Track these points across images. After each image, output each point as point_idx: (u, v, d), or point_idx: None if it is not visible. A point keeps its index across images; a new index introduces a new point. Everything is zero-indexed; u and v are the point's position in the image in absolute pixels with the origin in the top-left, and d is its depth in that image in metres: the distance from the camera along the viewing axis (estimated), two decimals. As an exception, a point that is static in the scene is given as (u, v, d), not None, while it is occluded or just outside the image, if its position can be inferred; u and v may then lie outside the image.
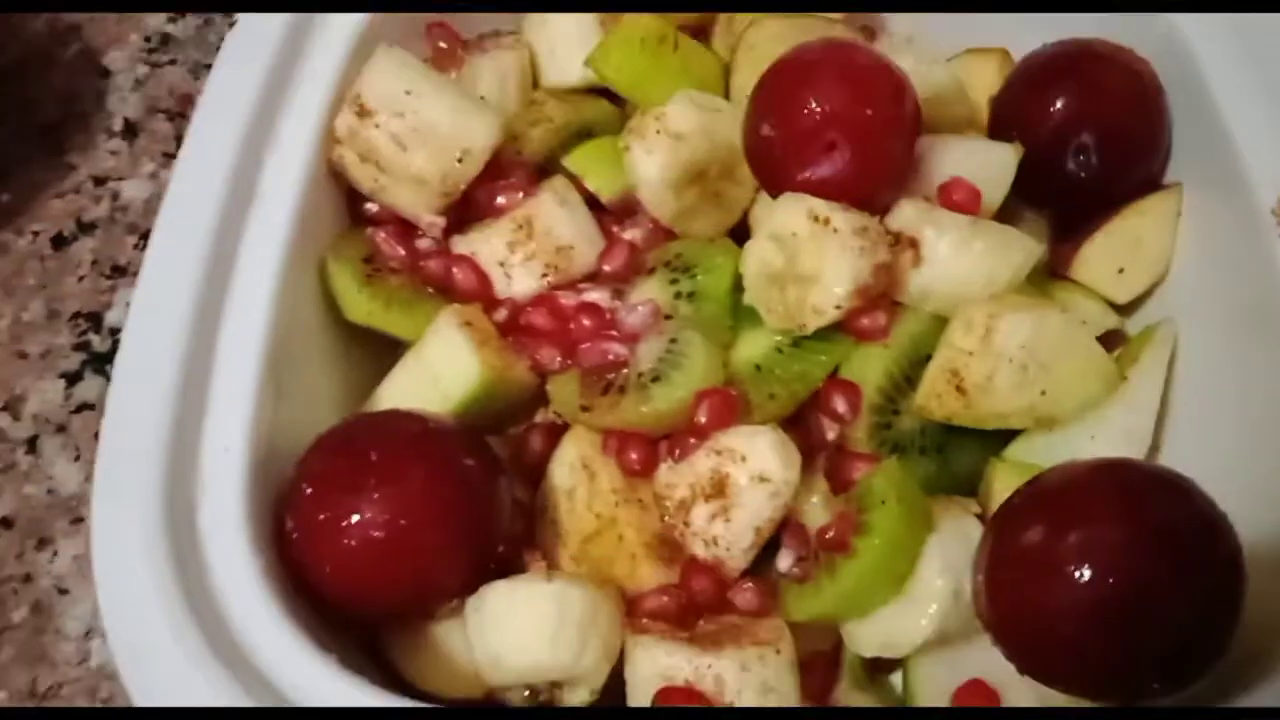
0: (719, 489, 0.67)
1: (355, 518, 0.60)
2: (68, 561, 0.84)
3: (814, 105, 0.71)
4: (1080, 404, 0.72)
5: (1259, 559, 0.61)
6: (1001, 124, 0.84)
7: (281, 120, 0.75)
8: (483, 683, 0.63)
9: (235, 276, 0.69)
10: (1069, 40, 0.83)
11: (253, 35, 0.76)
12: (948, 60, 0.90)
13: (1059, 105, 0.79)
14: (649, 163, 0.76)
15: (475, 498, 0.63)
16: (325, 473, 0.63)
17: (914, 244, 0.72)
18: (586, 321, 0.74)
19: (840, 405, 0.72)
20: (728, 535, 0.67)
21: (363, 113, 0.75)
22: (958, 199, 0.76)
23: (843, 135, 0.71)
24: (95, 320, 0.97)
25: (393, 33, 0.81)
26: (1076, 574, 0.56)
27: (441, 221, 0.77)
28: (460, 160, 0.76)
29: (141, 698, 0.57)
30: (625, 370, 0.71)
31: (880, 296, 0.72)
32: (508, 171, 0.79)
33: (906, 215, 0.73)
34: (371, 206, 0.79)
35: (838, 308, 0.70)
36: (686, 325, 0.72)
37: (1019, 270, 0.73)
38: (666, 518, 0.69)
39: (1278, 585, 0.60)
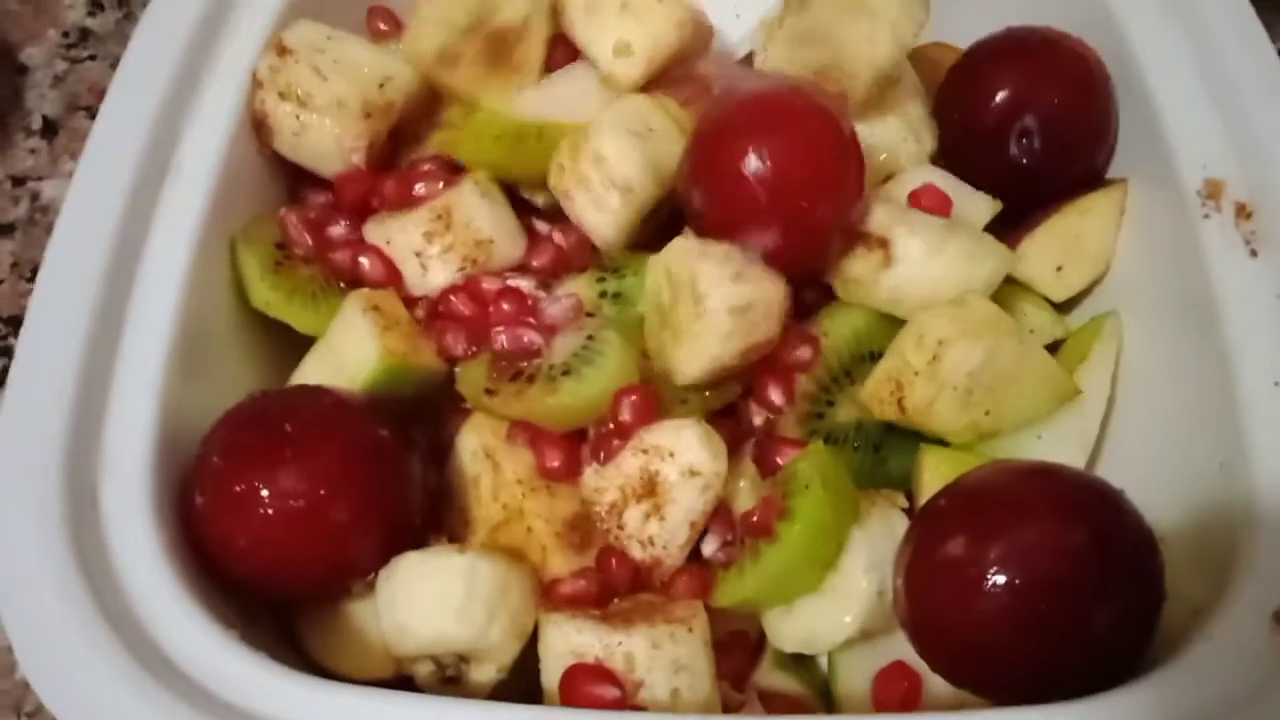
0: (649, 488, 0.72)
1: (271, 488, 0.65)
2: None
3: (744, 172, 0.72)
4: (1027, 418, 0.78)
5: (1182, 552, 0.67)
6: (946, 107, 0.90)
7: (201, 91, 0.81)
8: (392, 659, 0.68)
9: (146, 253, 0.74)
10: (1015, 26, 0.89)
11: (172, 9, 0.83)
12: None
13: (1002, 87, 0.85)
14: (602, 221, 0.80)
15: (391, 470, 0.69)
16: (238, 444, 0.68)
17: (884, 244, 0.77)
18: (506, 306, 0.79)
19: (775, 396, 0.77)
20: (663, 534, 0.72)
21: (282, 51, 0.82)
22: (927, 205, 0.82)
23: (773, 209, 0.73)
24: (16, 324, 1.00)
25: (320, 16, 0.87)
26: (994, 583, 0.61)
27: (361, 148, 0.82)
28: (382, 86, 0.82)
29: (36, 677, 0.61)
30: (538, 360, 0.76)
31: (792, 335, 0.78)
32: (425, 160, 0.85)
33: (877, 216, 0.78)
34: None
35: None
36: (607, 325, 0.77)
37: (993, 277, 0.78)
38: (599, 523, 0.74)
39: (1193, 584, 0.66)
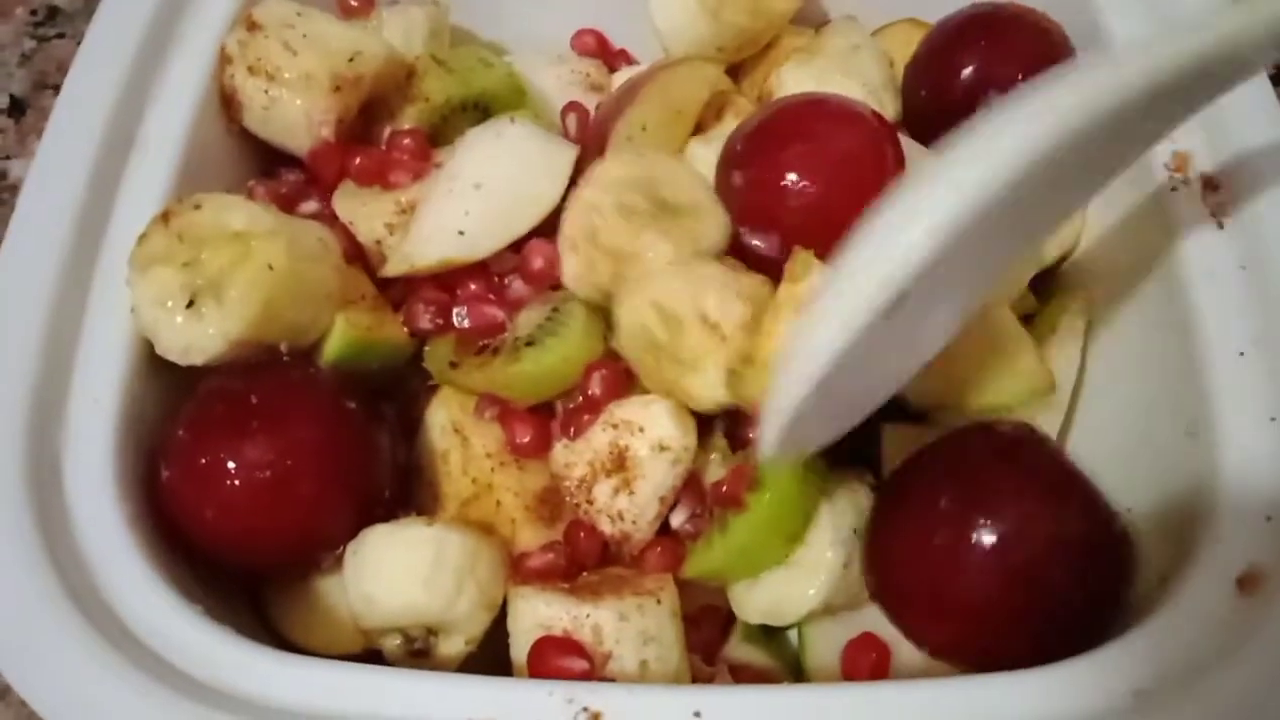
0: (619, 463, 0.72)
1: (237, 460, 0.65)
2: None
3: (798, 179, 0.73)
4: (997, 403, 0.76)
5: (1150, 520, 0.68)
6: (913, 85, 0.90)
7: (166, 67, 0.81)
8: (360, 635, 0.68)
9: (111, 227, 0.74)
10: (980, 3, 0.90)
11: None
12: (873, 33, 0.98)
13: (967, 64, 0.86)
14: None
15: (358, 442, 0.69)
16: (204, 416, 0.67)
17: None
18: (473, 286, 0.79)
19: None
20: (633, 509, 0.72)
21: (252, 27, 0.82)
22: None
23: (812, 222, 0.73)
24: None
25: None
26: (960, 549, 0.62)
27: (331, 121, 0.82)
28: (351, 60, 0.82)
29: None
30: (504, 335, 0.76)
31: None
32: (399, 141, 0.84)
33: None
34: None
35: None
36: (572, 298, 0.77)
37: (1025, 276, 0.80)
38: (568, 498, 0.74)
39: (1161, 552, 0.66)
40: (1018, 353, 0.76)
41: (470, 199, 0.78)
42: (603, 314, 0.75)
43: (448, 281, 0.80)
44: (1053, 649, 0.61)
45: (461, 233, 0.77)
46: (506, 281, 0.80)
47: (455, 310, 0.78)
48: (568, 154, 0.80)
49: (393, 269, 0.78)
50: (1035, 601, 0.62)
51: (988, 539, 0.61)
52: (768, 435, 0.61)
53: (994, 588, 0.62)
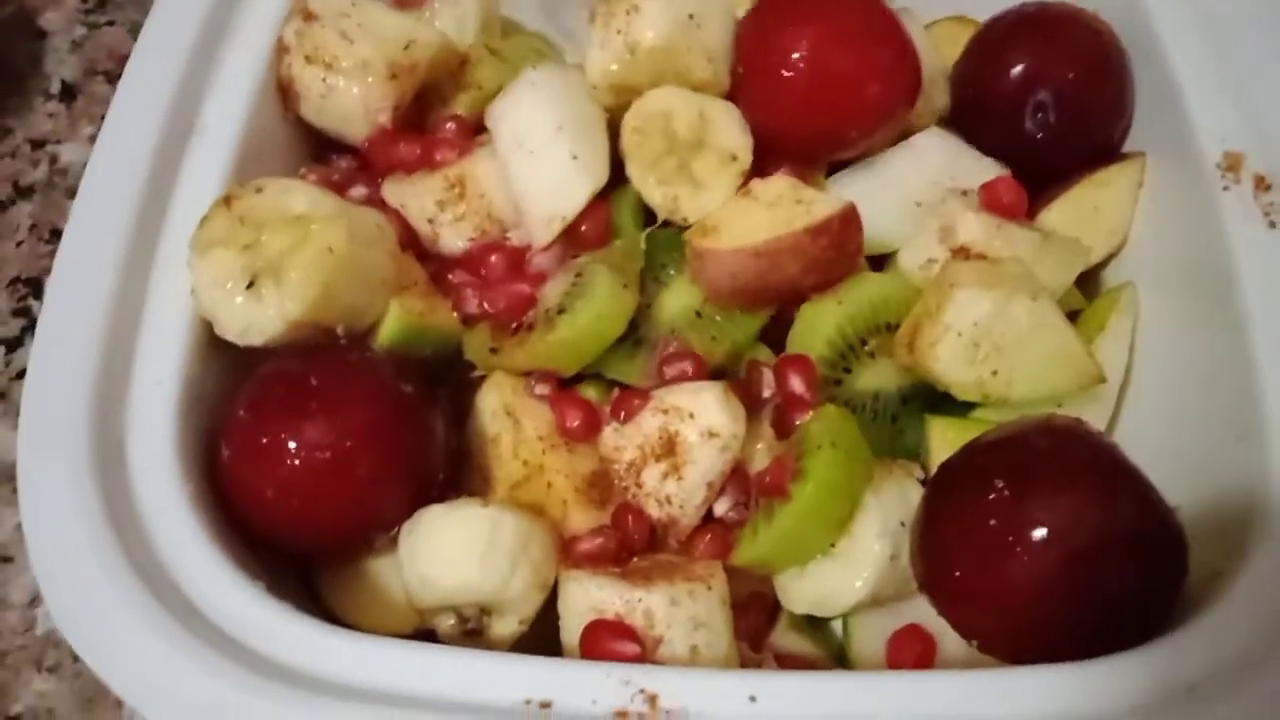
0: (669, 448, 0.73)
1: (297, 440, 0.66)
2: (10, 530, 0.89)
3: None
4: (1044, 394, 0.77)
5: (1200, 518, 0.68)
6: (961, 82, 0.91)
7: (223, 56, 0.82)
8: (413, 614, 0.69)
9: (171, 211, 0.75)
10: (1030, 2, 0.90)
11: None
12: (926, 26, 0.98)
13: (1017, 63, 0.86)
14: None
15: (415, 423, 0.69)
16: (265, 397, 0.68)
17: (982, 258, 0.79)
18: (494, 259, 0.81)
19: (796, 384, 0.77)
20: (680, 493, 0.73)
21: (309, 17, 0.83)
22: (1007, 201, 0.83)
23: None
24: (35, 286, 1.03)
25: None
26: (1010, 541, 0.62)
27: (388, 108, 0.83)
28: (407, 48, 0.83)
29: (68, 629, 0.61)
30: (533, 310, 0.77)
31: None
32: (444, 124, 0.86)
33: (972, 229, 0.80)
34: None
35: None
36: (594, 259, 0.78)
37: (1073, 274, 0.81)
38: (617, 481, 0.75)
39: (1211, 549, 0.66)
40: (1064, 344, 0.76)
41: (553, 144, 0.80)
42: (625, 269, 0.77)
43: (474, 264, 0.82)
44: (1102, 644, 0.61)
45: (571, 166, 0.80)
46: (527, 258, 0.81)
47: (485, 295, 0.79)
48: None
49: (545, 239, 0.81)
50: (1086, 595, 0.61)
51: (1040, 532, 0.61)
52: None
53: (1045, 581, 0.62)
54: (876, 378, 0.79)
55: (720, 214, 0.79)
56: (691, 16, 0.80)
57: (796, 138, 0.83)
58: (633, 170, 0.81)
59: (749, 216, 0.77)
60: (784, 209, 0.77)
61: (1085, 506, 0.62)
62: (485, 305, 0.79)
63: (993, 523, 0.64)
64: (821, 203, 0.77)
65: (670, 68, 0.81)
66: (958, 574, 0.65)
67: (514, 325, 0.77)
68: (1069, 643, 0.62)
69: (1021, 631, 0.63)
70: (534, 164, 0.79)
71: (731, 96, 0.83)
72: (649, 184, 0.80)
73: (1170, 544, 0.63)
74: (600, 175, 0.80)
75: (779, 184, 0.79)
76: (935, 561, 0.67)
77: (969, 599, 0.65)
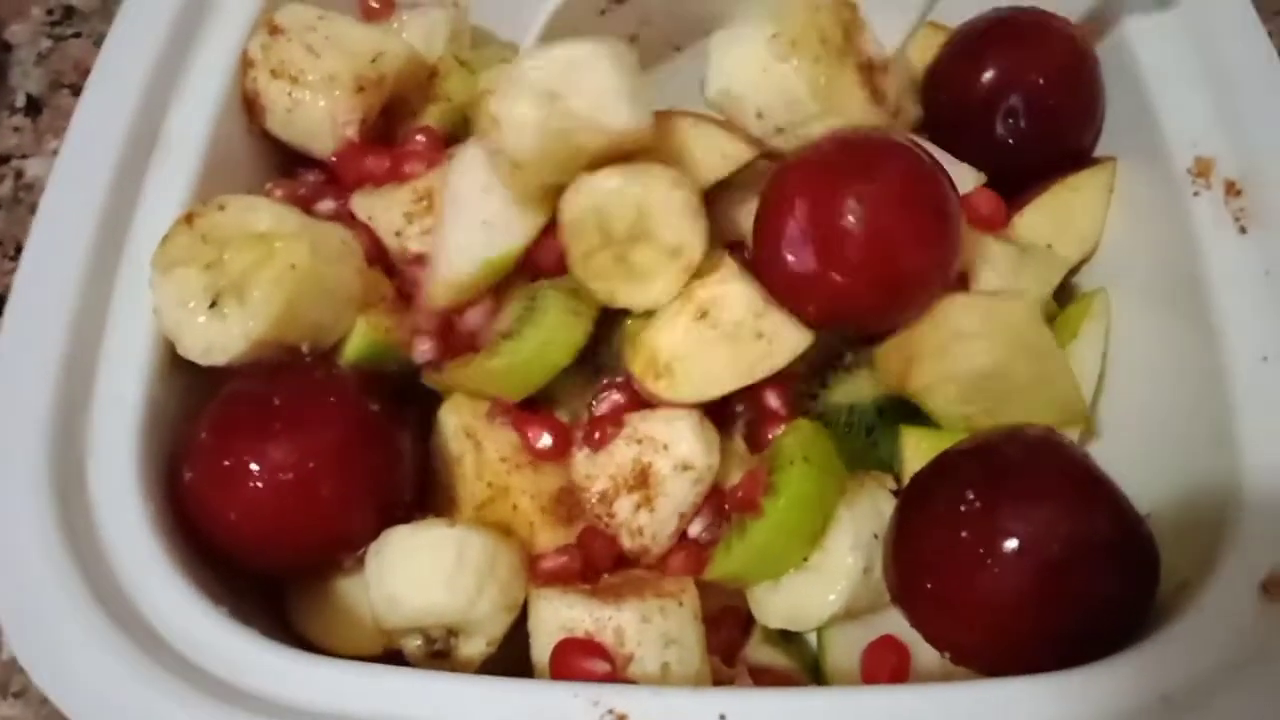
0: (641, 479, 0.72)
1: (260, 461, 0.65)
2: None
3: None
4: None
5: (1171, 526, 0.68)
6: (934, 90, 0.91)
7: (187, 68, 0.81)
8: (381, 635, 0.68)
9: (135, 225, 0.74)
10: (1002, 8, 0.90)
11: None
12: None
13: (987, 69, 0.86)
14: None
15: (380, 442, 0.69)
16: (226, 418, 0.68)
17: (963, 279, 0.78)
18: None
19: (772, 400, 0.76)
20: (653, 524, 0.72)
21: (274, 31, 0.82)
22: (986, 213, 0.83)
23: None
24: (1, 303, 1.01)
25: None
26: (983, 553, 0.62)
27: (355, 121, 0.82)
28: (374, 61, 0.82)
29: (25, 654, 0.60)
30: (489, 333, 0.76)
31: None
32: (412, 136, 0.85)
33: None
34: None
35: None
36: (551, 287, 0.76)
37: (1050, 286, 0.81)
38: (588, 508, 0.74)
39: (1181, 556, 0.66)
40: (1062, 391, 0.76)
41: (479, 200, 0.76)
42: (581, 298, 0.75)
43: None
44: (1075, 654, 0.61)
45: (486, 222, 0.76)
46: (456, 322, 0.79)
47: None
48: None
49: (439, 297, 0.77)
50: (1059, 606, 0.61)
51: (1012, 543, 0.61)
52: None
53: (1017, 592, 0.61)
54: (853, 390, 0.79)
55: (674, 346, 0.72)
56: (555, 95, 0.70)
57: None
58: (569, 259, 0.74)
59: (706, 355, 0.72)
60: (745, 345, 0.72)
61: (1057, 517, 0.62)
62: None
63: (964, 534, 0.63)
64: (783, 338, 0.73)
65: (569, 153, 0.71)
66: (930, 586, 0.65)
67: (467, 346, 0.76)
68: (1042, 653, 0.61)
69: (994, 643, 0.63)
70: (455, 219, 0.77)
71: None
72: (587, 276, 0.74)
73: (1142, 553, 0.63)
74: (505, 243, 0.76)
75: (737, 305, 0.72)
76: (908, 573, 0.67)
77: (942, 611, 0.65)
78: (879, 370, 0.77)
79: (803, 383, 0.78)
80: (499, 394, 0.74)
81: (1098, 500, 0.64)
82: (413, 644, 0.67)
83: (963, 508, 0.64)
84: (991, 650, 0.64)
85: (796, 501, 0.68)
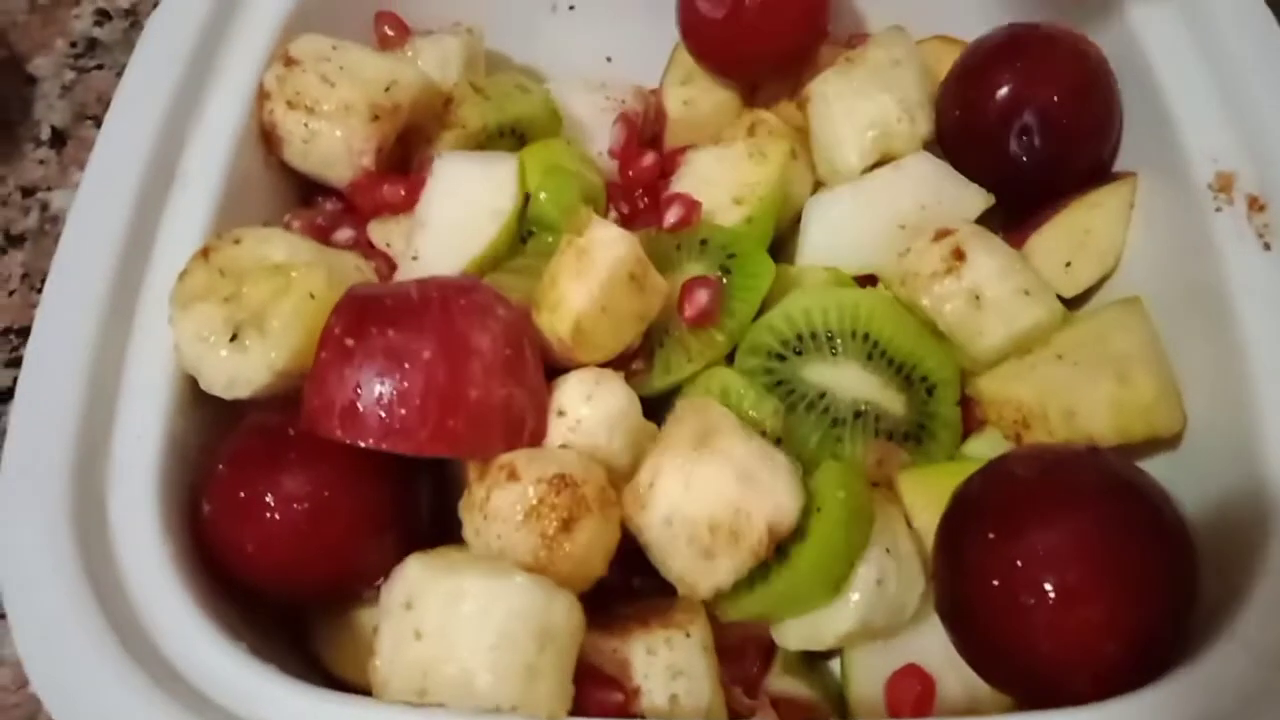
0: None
1: (274, 492, 0.64)
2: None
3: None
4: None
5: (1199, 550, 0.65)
6: (947, 104, 0.89)
7: (205, 101, 0.81)
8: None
9: (154, 259, 0.74)
10: (1016, 23, 0.88)
11: (175, 19, 0.82)
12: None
13: (1001, 85, 0.84)
14: None
15: (396, 469, 0.67)
16: (242, 450, 0.67)
17: (959, 254, 0.78)
18: None
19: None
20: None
21: (289, 62, 0.83)
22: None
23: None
24: (27, 335, 1.00)
25: (326, 22, 0.88)
26: (1043, 587, 0.60)
27: (371, 150, 0.82)
28: (388, 89, 0.82)
29: (45, 690, 0.60)
30: None
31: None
32: (428, 164, 0.84)
33: (962, 230, 0.80)
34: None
35: None
36: None
37: (1036, 326, 0.78)
38: None
39: (1212, 579, 0.64)
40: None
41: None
42: None
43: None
44: (1120, 681, 0.60)
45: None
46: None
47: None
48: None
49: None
50: (1112, 635, 0.60)
51: (1072, 575, 0.60)
52: None
53: (1074, 625, 0.60)
54: (832, 377, 0.77)
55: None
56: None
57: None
58: None
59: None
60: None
61: (1123, 545, 0.61)
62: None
63: (1019, 564, 0.61)
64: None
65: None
66: (973, 610, 0.63)
67: None
68: (1088, 683, 0.60)
69: (1045, 674, 0.61)
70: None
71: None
72: None
73: (1194, 572, 0.62)
74: None
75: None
76: (959, 602, 0.65)
77: (993, 646, 0.63)
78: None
79: (775, 339, 0.77)
80: None
81: (1161, 520, 0.63)
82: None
83: (1002, 532, 0.63)
84: (1040, 682, 0.62)
85: (825, 549, 0.66)
